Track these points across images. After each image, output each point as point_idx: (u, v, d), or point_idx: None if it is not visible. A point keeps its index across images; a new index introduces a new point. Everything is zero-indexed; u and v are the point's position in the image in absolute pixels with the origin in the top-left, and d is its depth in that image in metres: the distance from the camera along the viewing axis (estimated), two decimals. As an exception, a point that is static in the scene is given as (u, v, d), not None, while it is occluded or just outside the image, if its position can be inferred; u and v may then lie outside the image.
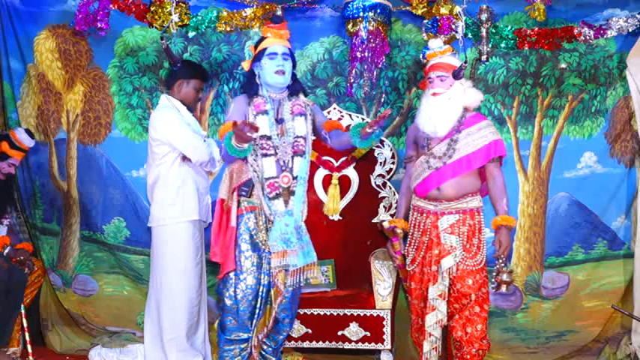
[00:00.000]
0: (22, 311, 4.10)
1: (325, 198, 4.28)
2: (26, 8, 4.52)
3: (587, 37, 4.17)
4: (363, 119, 4.34)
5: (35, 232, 4.64)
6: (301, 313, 3.84)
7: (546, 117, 4.35)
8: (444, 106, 3.46)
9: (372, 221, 4.27)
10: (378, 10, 4.09)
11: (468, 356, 3.45)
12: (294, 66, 3.38)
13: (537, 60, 4.30)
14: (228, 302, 3.30)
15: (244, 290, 3.27)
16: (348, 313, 3.87)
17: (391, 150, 4.33)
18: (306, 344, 3.91)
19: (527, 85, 4.34)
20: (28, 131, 4.22)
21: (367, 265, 3.90)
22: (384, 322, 3.84)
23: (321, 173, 4.35)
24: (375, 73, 4.19)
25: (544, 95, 4.34)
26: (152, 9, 4.27)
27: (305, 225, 3.35)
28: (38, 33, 4.54)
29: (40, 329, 4.57)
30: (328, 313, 3.89)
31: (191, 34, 4.44)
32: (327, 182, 4.31)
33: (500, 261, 3.41)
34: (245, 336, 3.34)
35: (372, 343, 3.85)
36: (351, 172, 4.34)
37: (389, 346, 3.85)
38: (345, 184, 4.31)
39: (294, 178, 3.28)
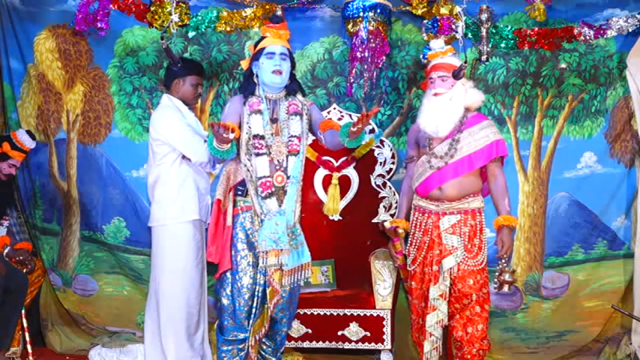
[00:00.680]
0: (23, 311, 4.10)
1: (325, 198, 4.27)
2: (26, 8, 4.52)
3: (587, 37, 4.17)
4: (361, 119, 4.34)
5: (35, 232, 4.64)
6: (301, 313, 3.84)
7: (546, 117, 4.35)
8: (445, 106, 3.46)
9: (372, 221, 4.27)
10: (378, 10, 4.09)
11: (469, 356, 3.45)
12: (293, 66, 3.38)
13: (537, 60, 4.30)
14: (225, 302, 3.31)
15: (240, 290, 3.28)
16: (348, 313, 3.87)
17: (391, 150, 4.33)
18: (306, 344, 3.91)
19: (527, 85, 4.34)
20: (29, 132, 4.23)
21: (367, 265, 3.90)
22: (384, 322, 3.84)
23: (321, 173, 4.35)
24: (375, 73, 4.19)
25: (544, 95, 4.34)
26: (152, 9, 4.26)
27: (301, 225, 3.36)
28: (38, 33, 4.54)
29: (40, 329, 4.57)
30: (328, 313, 3.89)
31: (191, 34, 4.44)
32: (327, 182, 4.31)
33: (503, 261, 3.41)
34: (242, 336, 3.34)
35: (372, 343, 3.86)
36: (351, 172, 4.34)
37: (389, 346, 3.85)
38: (345, 184, 4.31)
39: (289, 177, 3.28)
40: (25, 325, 4.12)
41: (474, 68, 4.30)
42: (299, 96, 3.43)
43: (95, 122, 4.60)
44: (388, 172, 4.32)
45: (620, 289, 4.27)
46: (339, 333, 3.87)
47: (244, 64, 3.41)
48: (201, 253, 3.70)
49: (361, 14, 4.07)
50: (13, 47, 4.56)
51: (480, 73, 4.34)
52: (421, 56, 4.13)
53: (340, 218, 4.33)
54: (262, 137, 3.27)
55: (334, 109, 4.39)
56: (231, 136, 3.05)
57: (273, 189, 3.24)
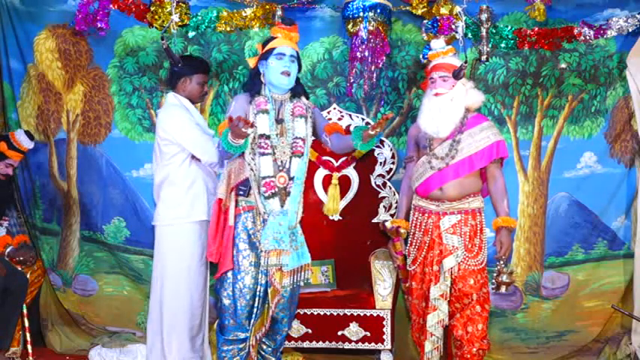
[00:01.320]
0: (24, 311, 4.10)
1: (325, 198, 4.27)
2: (26, 8, 4.52)
3: (587, 37, 4.17)
4: (363, 119, 4.34)
5: (35, 232, 4.64)
6: (301, 313, 3.84)
7: (546, 117, 4.35)
8: (446, 106, 3.46)
9: (372, 221, 4.27)
10: (378, 10, 4.09)
11: (469, 355, 3.45)
12: (299, 69, 3.39)
13: (537, 60, 4.30)
14: (226, 302, 3.30)
15: (242, 289, 3.27)
16: (348, 313, 3.87)
17: (391, 150, 4.33)
18: (306, 344, 3.91)
19: (527, 85, 4.34)
20: (27, 133, 4.20)
21: (367, 265, 3.90)
22: (384, 322, 3.84)
23: (321, 173, 4.35)
24: (375, 73, 4.19)
25: (544, 95, 4.34)
26: (152, 9, 4.26)
27: (302, 225, 3.36)
28: (38, 33, 4.54)
29: (40, 329, 4.57)
30: (328, 313, 3.89)
31: (191, 34, 4.44)
32: (327, 182, 4.31)
33: (501, 262, 3.41)
34: (243, 336, 3.34)
35: (372, 343, 3.85)
36: (351, 172, 4.34)
37: (389, 346, 3.85)
38: (345, 184, 4.31)
39: (291, 178, 3.28)
40: (26, 324, 4.11)
41: (474, 68, 4.30)
42: (303, 99, 3.43)
43: (95, 122, 4.60)
44: (388, 172, 4.32)
45: (620, 289, 4.27)
46: (339, 333, 3.87)
47: (252, 62, 3.40)
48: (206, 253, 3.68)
49: (361, 14, 4.07)
50: (13, 47, 4.56)
51: (480, 73, 4.34)
52: (421, 56, 4.13)
53: (340, 218, 4.33)
54: (268, 137, 3.26)
55: (334, 109, 4.39)
56: (249, 131, 3.06)
57: (276, 189, 3.24)
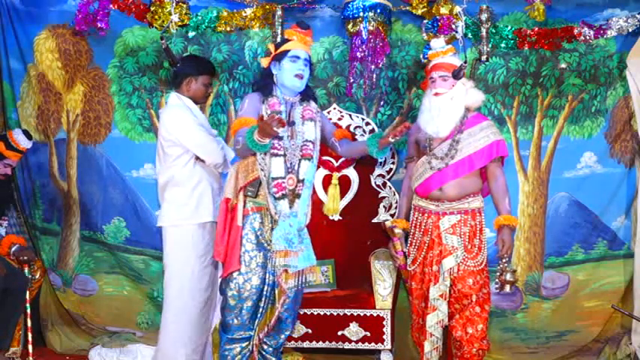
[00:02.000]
0: (28, 311, 4.09)
1: (325, 198, 4.27)
2: (26, 8, 4.52)
3: (587, 37, 4.17)
4: (363, 119, 4.34)
5: (35, 232, 4.64)
6: (301, 313, 3.84)
7: (546, 117, 4.35)
8: (446, 106, 3.46)
9: (373, 221, 4.27)
10: (378, 10, 4.09)
11: (468, 356, 3.45)
12: (310, 73, 3.41)
13: (537, 60, 4.30)
14: (232, 302, 3.31)
15: (249, 290, 3.28)
16: (348, 313, 3.87)
17: (391, 150, 4.33)
18: (306, 344, 3.91)
19: (527, 85, 4.34)
20: (26, 132, 4.17)
21: (367, 265, 3.90)
22: (384, 322, 3.84)
23: (321, 173, 4.34)
24: (375, 73, 4.19)
25: (544, 95, 4.34)
26: (152, 9, 4.26)
27: (306, 227, 3.37)
28: (38, 33, 4.54)
29: (40, 329, 4.57)
30: (328, 313, 3.89)
31: (191, 34, 4.44)
32: (327, 182, 4.31)
33: (504, 261, 3.41)
34: (247, 335, 3.35)
35: (372, 343, 3.85)
36: (351, 172, 4.34)
37: (389, 346, 3.85)
38: (345, 184, 4.31)
39: (300, 181, 3.29)
40: (29, 324, 4.10)
41: (474, 68, 4.30)
42: (312, 103, 3.46)
43: (95, 122, 4.60)
44: (388, 172, 4.32)
45: (620, 289, 4.27)
46: (339, 333, 3.87)
47: (264, 62, 3.41)
48: (211, 255, 3.66)
49: (361, 14, 4.07)
50: (13, 47, 4.56)
51: (480, 73, 4.34)
52: (421, 56, 4.14)
53: (340, 218, 4.33)
54: (280, 138, 3.27)
55: (334, 109, 4.39)
56: (280, 130, 3.08)
57: (286, 190, 3.25)
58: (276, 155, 3.25)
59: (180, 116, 3.60)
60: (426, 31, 4.19)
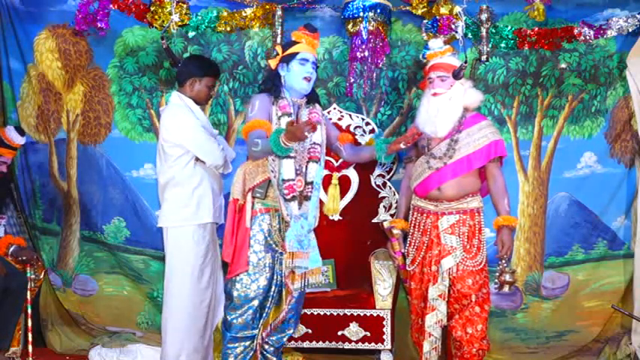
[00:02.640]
0: (29, 311, 4.09)
1: (325, 198, 4.27)
2: (26, 8, 4.52)
3: (587, 37, 4.17)
4: (363, 119, 4.34)
5: (35, 232, 4.64)
6: (301, 313, 3.84)
7: (546, 117, 4.35)
8: (444, 106, 3.46)
9: (372, 221, 4.27)
10: (378, 10, 4.09)
11: (468, 356, 3.45)
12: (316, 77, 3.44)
13: (537, 60, 4.30)
14: (237, 302, 3.32)
15: (256, 290, 3.30)
16: (348, 313, 3.87)
17: (391, 150, 4.33)
18: (306, 344, 3.91)
19: (527, 85, 4.34)
20: (17, 129, 4.14)
21: (367, 265, 3.90)
22: (384, 322, 3.84)
23: (321, 173, 4.35)
24: (375, 73, 4.19)
25: (544, 95, 4.34)
26: (152, 9, 4.26)
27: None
28: (38, 33, 4.54)
29: (40, 329, 4.57)
30: (328, 313, 3.89)
31: (191, 34, 4.44)
32: (327, 182, 4.29)
33: (503, 261, 3.41)
34: (250, 334, 3.37)
35: (372, 343, 3.85)
36: (351, 172, 4.33)
37: (389, 346, 3.85)
38: (345, 184, 4.31)
39: (308, 183, 3.31)
40: (29, 324, 4.10)
41: (474, 68, 4.30)
42: (317, 106, 3.48)
43: (95, 122, 4.60)
44: (388, 172, 4.32)
45: (620, 289, 4.27)
46: (339, 333, 3.87)
47: (272, 64, 3.42)
48: (210, 254, 3.67)
49: (361, 14, 4.07)
50: (13, 47, 4.55)
51: (480, 73, 4.34)
52: (421, 56, 4.13)
53: (340, 218, 4.33)
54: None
55: (334, 109, 4.39)
56: (309, 136, 3.14)
57: (296, 192, 3.26)
58: (288, 157, 3.26)
59: (180, 117, 3.59)
60: (425, 31, 4.19)
